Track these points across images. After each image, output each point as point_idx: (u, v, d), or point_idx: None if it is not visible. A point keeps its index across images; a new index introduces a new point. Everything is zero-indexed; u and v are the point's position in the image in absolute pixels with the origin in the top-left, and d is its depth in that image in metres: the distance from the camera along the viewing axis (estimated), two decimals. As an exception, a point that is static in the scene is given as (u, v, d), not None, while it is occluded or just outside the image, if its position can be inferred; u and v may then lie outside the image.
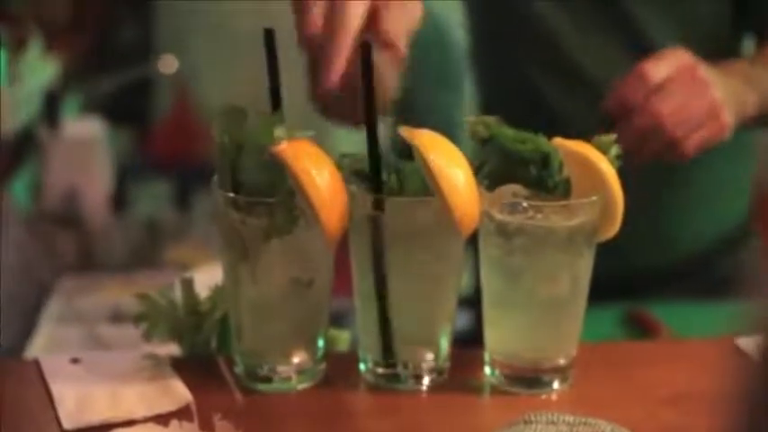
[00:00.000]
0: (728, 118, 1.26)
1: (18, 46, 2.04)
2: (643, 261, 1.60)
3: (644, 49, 1.39)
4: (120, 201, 2.07)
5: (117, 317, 1.61)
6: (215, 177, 0.99)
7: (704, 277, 1.62)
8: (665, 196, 1.58)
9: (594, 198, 0.99)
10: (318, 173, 0.95)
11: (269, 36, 1.02)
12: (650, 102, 1.21)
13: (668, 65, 1.23)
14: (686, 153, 1.25)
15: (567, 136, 1.00)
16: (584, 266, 1.02)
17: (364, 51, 0.98)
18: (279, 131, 0.97)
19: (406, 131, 1.00)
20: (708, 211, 1.62)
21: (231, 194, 0.98)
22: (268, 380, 1.02)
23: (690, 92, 1.23)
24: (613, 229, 1.01)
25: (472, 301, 1.20)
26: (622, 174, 1.00)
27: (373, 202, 0.98)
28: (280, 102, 1.02)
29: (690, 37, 1.44)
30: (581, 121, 1.17)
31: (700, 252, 1.63)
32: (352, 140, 1.04)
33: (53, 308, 1.63)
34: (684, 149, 1.24)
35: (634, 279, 1.59)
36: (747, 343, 1.11)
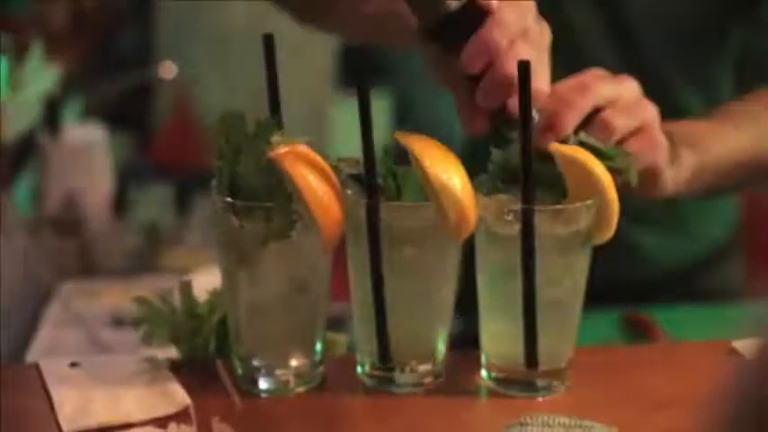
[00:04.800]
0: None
1: (19, 53, 2.05)
2: (618, 275, 1.59)
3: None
4: (120, 206, 2.07)
5: (117, 321, 1.62)
6: (213, 182, 1.00)
7: (684, 290, 1.62)
8: (645, 215, 1.58)
9: (590, 202, 1.00)
10: (315, 177, 0.96)
11: (268, 41, 1.02)
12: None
13: (629, 119, 1.09)
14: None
15: None
16: (580, 270, 1.03)
17: None
18: (276, 136, 0.98)
19: (401, 137, 1.00)
20: (686, 231, 1.62)
21: (229, 199, 0.98)
22: (266, 383, 1.03)
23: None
24: (609, 232, 1.02)
25: (462, 307, 1.21)
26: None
27: (369, 206, 0.99)
28: (278, 106, 1.03)
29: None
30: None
31: (678, 269, 1.63)
32: (349, 145, 1.05)
33: (53, 312, 1.63)
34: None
35: (625, 285, 1.59)
36: (743, 345, 1.12)
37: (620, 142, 1.07)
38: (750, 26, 1.47)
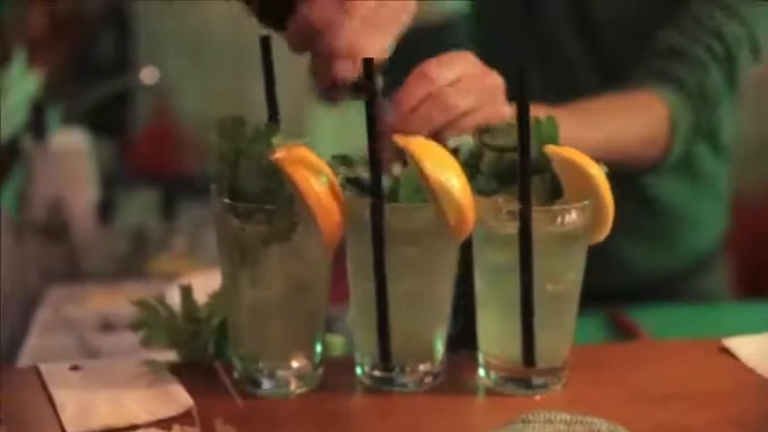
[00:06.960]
0: None
1: (1, 60, 2.05)
2: (598, 282, 1.61)
3: None
4: (105, 211, 2.07)
5: (105, 325, 1.62)
6: (213, 185, 1.01)
7: (664, 297, 1.64)
8: (630, 224, 1.59)
9: (586, 202, 1.01)
10: (316, 179, 0.97)
11: (265, 44, 1.03)
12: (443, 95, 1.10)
13: (454, 70, 1.11)
14: None
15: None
16: (577, 269, 1.04)
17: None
18: (276, 139, 0.99)
19: (400, 139, 1.01)
20: (671, 243, 1.64)
21: (231, 202, 0.99)
22: (267, 384, 1.04)
23: (480, 97, 1.12)
24: (604, 232, 1.04)
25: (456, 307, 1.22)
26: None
27: (373, 207, 1.00)
28: (276, 109, 1.03)
29: None
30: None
31: (658, 278, 1.65)
32: (327, 148, 1.06)
33: (42, 317, 1.64)
34: None
35: (604, 291, 1.61)
36: (734, 344, 1.14)
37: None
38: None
